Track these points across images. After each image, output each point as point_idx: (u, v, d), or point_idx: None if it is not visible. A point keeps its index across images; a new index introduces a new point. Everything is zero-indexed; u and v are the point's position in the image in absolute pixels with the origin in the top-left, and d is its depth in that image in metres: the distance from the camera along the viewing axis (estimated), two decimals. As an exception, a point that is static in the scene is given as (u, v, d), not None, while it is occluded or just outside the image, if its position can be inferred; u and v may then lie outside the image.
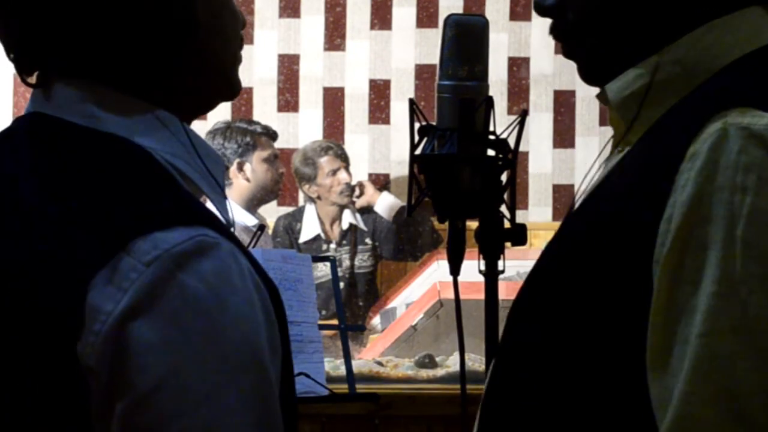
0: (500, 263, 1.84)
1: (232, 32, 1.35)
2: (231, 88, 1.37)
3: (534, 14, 6.36)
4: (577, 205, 1.38)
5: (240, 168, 5.01)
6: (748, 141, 1.19)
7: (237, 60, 1.37)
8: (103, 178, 1.22)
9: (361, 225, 5.70)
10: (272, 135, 5.18)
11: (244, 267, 1.21)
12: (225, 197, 1.34)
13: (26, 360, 1.18)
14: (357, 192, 5.70)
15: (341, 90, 6.37)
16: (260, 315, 1.21)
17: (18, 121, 1.33)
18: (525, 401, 1.31)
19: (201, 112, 1.38)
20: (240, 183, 5.02)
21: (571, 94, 6.31)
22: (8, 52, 1.30)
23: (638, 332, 1.21)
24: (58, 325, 1.16)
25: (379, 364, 3.56)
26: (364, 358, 3.69)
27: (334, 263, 3.14)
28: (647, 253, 1.21)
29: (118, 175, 1.23)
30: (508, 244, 1.84)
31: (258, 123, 5.19)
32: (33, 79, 1.30)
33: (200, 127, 5.51)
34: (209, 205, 1.35)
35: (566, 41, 1.39)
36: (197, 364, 1.16)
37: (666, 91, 1.30)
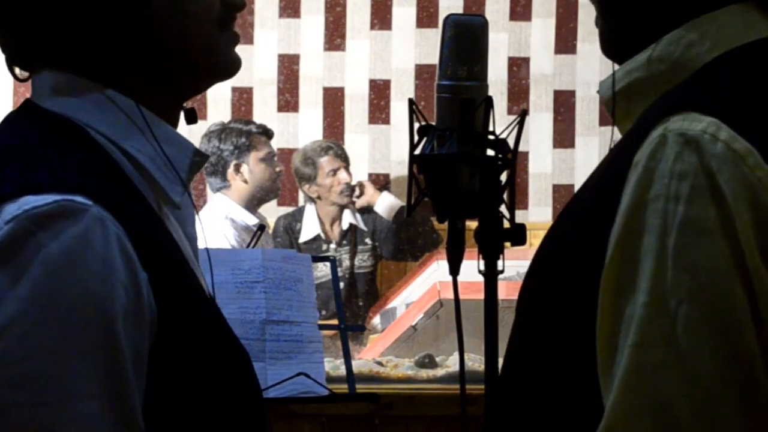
0: (500, 263, 1.84)
1: (199, 11, 1.39)
2: (214, 68, 1.43)
3: (534, 14, 6.37)
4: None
5: (237, 169, 5.01)
6: (684, 147, 1.19)
7: (216, 40, 1.41)
8: (12, 148, 1.34)
9: (361, 225, 5.69)
10: (268, 134, 5.17)
11: (112, 233, 1.27)
12: (181, 183, 1.40)
13: None
14: (357, 192, 5.70)
15: (341, 90, 6.37)
16: (120, 280, 1.26)
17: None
18: (521, 399, 1.34)
19: (185, 94, 1.44)
20: (238, 184, 5.02)
21: (571, 94, 6.31)
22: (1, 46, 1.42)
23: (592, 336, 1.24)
24: None
25: (379, 364, 3.56)
26: (364, 358, 3.69)
27: (334, 263, 3.14)
28: (601, 262, 1.23)
29: (28, 145, 1.34)
30: (507, 244, 1.84)
31: (253, 123, 5.18)
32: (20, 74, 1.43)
33: (200, 128, 5.51)
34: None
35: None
36: (39, 315, 1.23)
37: (651, 88, 1.31)
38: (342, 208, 5.62)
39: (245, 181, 5.02)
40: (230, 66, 1.44)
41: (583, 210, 1.30)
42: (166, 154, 1.38)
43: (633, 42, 1.34)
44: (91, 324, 1.25)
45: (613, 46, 1.39)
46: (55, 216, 1.26)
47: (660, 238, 1.18)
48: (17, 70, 1.42)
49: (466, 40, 1.79)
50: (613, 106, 1.35)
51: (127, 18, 1.35)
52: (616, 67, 1.38)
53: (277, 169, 5.14)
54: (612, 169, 1.27)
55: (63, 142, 1.34)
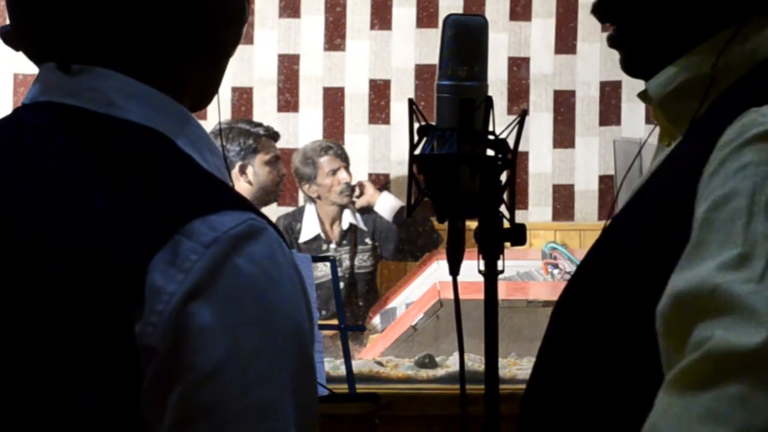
0: (500, 263, 1.84)
1: (234, 34, 1.39)
2: (211, 95, 1.40)
3: (534, 14, 6.37)
4: (623, 202, 1.38)
5: (242, 171, 5.01)
6: None
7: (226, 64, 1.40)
8: (143, 165, 1.24)
9: (361, 225, 5.69)
10: (274, 136, 5.18)
11: (287, 251, 1.24)
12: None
13: (84, 340, 1.18)
14: (357, 192, 5.70)
15: (341, 90, 6.37)
16: (303, 299, 1.24)
17: (25, 111, 1.33)
18: (566, 400, 1.31)
19: (196, 109, 1.39)
20: (242, 185, 5.02)
21: (571, 94, 6.31)
22: (22, 40, 1.31)
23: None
24: (116, 306, 1.17)
25: (379, 364, 3.56)
26: (364, 358, 3.68)
27: (334, 263, 3.14)
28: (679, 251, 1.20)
29: (154, 161, 1.24)
30: (507, 244, 1.84)
31: (260, 125, 5.18)
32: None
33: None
34: None
35: (611, 35, 1.40)
36: (255, 345, 1.18)
37: (701, 88, 1.31)
38: (342, 208, 5.62)
39: (249, 183, 5.03)
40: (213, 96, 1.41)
41: (655, 210, 1.27)
42: (217, 164, 1.33)
43: (668, 53, 1.34)
44: (295, 348, 1.21)
45: (644, 61, 1.38)
46: (247, 237, 1.20)
47: (750, 197, 1.16)
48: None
49: (466, 40, 1.79)
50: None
51: (181, 24, 1.29)
52: (617, 65, 1.38)
53: (281, 173, 5.15)
54: (687, 161, 1.24)
55: (179, 155, 1.26)
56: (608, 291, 1.29)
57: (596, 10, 1.41)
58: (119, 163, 1.24)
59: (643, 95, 1.40)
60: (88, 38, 1.27)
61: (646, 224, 1.27)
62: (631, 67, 1.40)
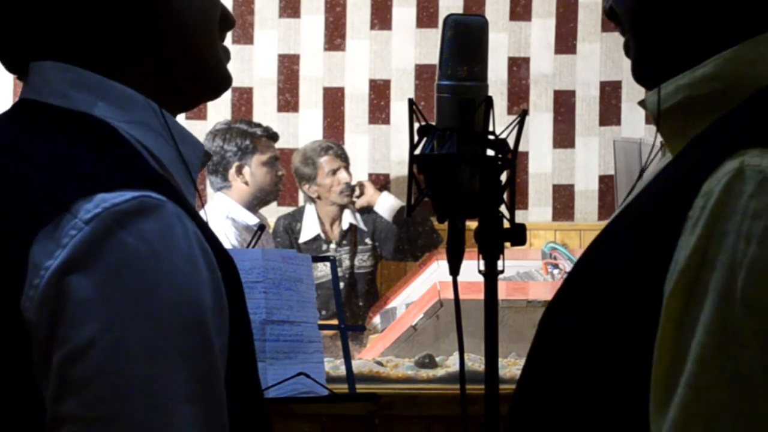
0: (500, 263, 1.84)
1: (206, 19, 1.38)
2: (208, 78, 1.40)
3: (534, 14, 6.37)
4: (625, 203, 1.36)
5: (239, 171, 5.01)
6: (762, 185, 1.15)
7: (209, 47, 1.39)
8: (57, 147, 1.28)
9: (361, 225, 5.69)
10: (273, 137, 5.17)
11: (190, 230, 1.24)
12: (193, 182, 1.37)
13: None
14: (357, 192, 5.70)
15: (341, 90, 6.37)
16: (204, 276, 1.23)
17: (6, 111, 1.41)
18: (553, 401, 1.30)
19: (183, 104, 1.42)
20: (239, 185, 5.02)
21: (571, 94, 6.31)
22: None
23: (644, 364, 1.19)
24: (2, 281, 1.21)
25: (379, 364, 3.56)
26: (364, 358, 3.69)
27: (334, 263, 3.14)
28: (657, 288, 1.19)
29: (71, 144, 1.28)
30: (507, 244, 1.84)
31: (259, 125, 5.18)
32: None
33: (201, 128, 5.52)
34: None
35: (624, 42, 1.38)
36: (133, 320, 1.19)
37: (705, 106, 1.27)
38: (342, 208, 5.62)
39: (246, 183, 5.03)
40: (224, 81, 1.42)
41: (636, 230, 1.25)
42: (186, 153, 1.35)
43: (673, 66, 1.30)
44: (185, 324, 1.21)
45: (649, 71, 1.35)
46: (136, 213, 1.21)
47: (727, 277, 1.14)
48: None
49: (466, 40, 1.79)
50: (657, 121, 1.31)
51: (132, 19, 1.32)
52: (626, 69, 1.36)
53: (279, 173, 5.14)
54: (673, 193, 1.22)
55: (103, 139, 1.29)
56: (598, 295, 1.27)
57: (608, 15, 1.39)
58: (36, 145, 1.29)
59: (644, 105, 1.36)
60: (41, 37, 1.33)
61: (635, 239, 1.25)
62: (636, 75, 1.37)
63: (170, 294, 1.21)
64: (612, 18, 1.37)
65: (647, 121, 6.14)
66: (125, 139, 1.31)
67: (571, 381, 1.28)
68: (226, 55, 1.42)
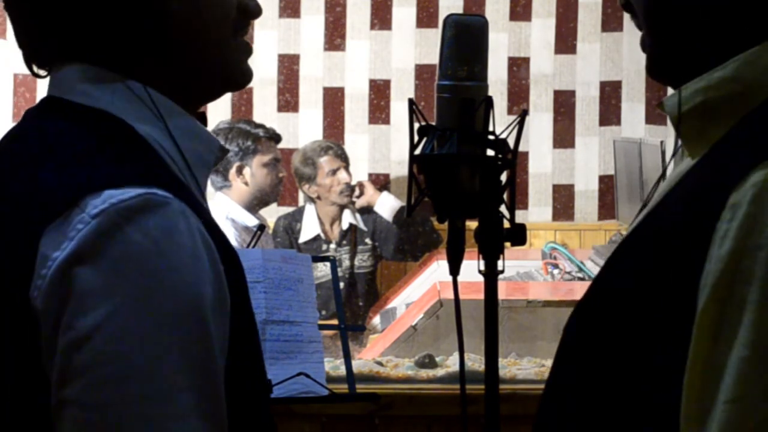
0: (500, 263, 1.84)
1: (214, 16, 1.41)
2: (226, 75, 1.45)
3: (534, 14, 6.37)
4: (649, 206, 1.36)
5: (239, 171, 5.01)
6: None
7: (228, 46, 1.44)
8: (72, 142, 1.33)
9: (361, 225, 5.69)
10: (275, 138, 5.17)
11: (193, 225, 1.28)
12: (196, 183, 1.41)
13: None
14: (357, 192, 5.70)
15: (341, 90, 6.37)
16: (206, 271, 1.28)
17: (32, 106, 1.45)
18: (582, 408, 1.30)
19: (204, 98, 1.47)
20: (239, 186, 5.02)
21: (571, 94, 6.31)
22: (19, 44, 1.42)
23: (674, 370, 1.19)
24: (13, 272, 1.26)
25: (379, 364, 3.56)
26: (364, 358, 3.69)
27: (334, 263, 3.14)
28: (688, 299, 1.18)
29: (86, 140, 1.33)
30: (507, 244, 1.84)
31: (261, 126, 5.18)
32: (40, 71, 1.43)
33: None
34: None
35: (642, 36, 1.37)
36: (134, 310, 1.23)
37: (725, 108, 1.27)
38: (342, 208, 5.62)
39: (246, 184, 5.02)
40: (241, 76, 1.47)
41: (664, 238, 1.24)
42: (197, 150, 1.41)
43: (690, 64, 1.29)
44: (184, 316, 1.25)
45: (664, 67, 1.34)
46: (141, 209, 1.26)
47: (764, 289, 1.14)
48: (35, 68, 1.43)
49: (466, 40, 1.79)
50: (678, 125, 1.30)
51: (147, 16, 1.36)
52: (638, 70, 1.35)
53: (280, 175, 5.14)
54: (699, 203, 1.21)
55: (118, 136, 1.35)
56: (627, 303, 1.26)
57: (624, 7, 1.37)
58: (56, 140, 1.34)
59: (662, 107, 1.35)
60: (65, 40, 1.38)
61: (663, 247, 1.24)
62: (650, 71, 1.36)
63: (171, 287, 1.25)
64: (628, 10, 1.36)
65: (647, 121, 6.14)
66: (139, 137, 1.36)
67: (600, 388, 1.27)
68: (247, 49, 1.47)
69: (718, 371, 1.15)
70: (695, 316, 1.18)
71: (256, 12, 1.46)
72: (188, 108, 1.43)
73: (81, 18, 1.35)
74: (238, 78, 1.46)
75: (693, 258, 1.18)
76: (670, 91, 1.37)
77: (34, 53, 1.42)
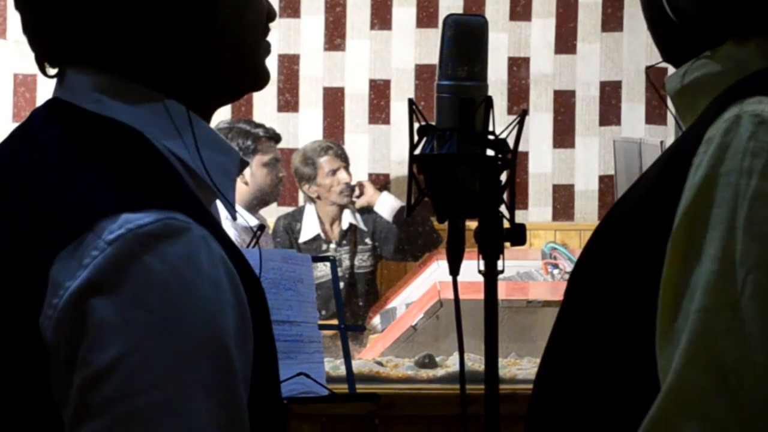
0: (500, 263, 1.84)
1: (253, 18, 1.34)
2: (255, 77, 1.38)
3: (534, 14, 6.37)
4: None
5: (239, 171, 5.01)
6: (759, 127, 1.23)
7: (260, 47, 1.37)
8: (86, 158, 1.24)
9: (361, 225, 5.69)
10: (275, 138, 5.17)
11: (215, 253, 1.21)
12: (223, 192, 1.33)
13: None
14: (357, 192, 5.70)
15: (341, 90, 6.37)
16: (229, 301, 1.21)
17: (38, 107, 1.36)
18: (571, 380, 1.35)
19: (225, 101, 1.39)
20: (239, 186, 5.02)
21: (571, 94, 6.31)
22: (29, 42, 1.32)
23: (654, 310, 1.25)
24: (22, 298, 1.18)
25: (379, 364, 3.56)
26: (364, 358, 3.69)
27: (334, 263, 3.14)
28: (666, 236, 1.25)
29: (103, 157, 1.24)
30: (507, 244, 1.84)
31: (261, 125, 5.18)
32: (51, 71, 1.33)
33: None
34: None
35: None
36: (155, 344, 1.16)
37: (716, 83, 1.34)
38: (342, 208, 5.62)
39: (245, 183, 5.03)
40: (265, 78, 1.39)
41: (648, 187, 1.32)
42: (219, 161, 1.32)
43: (693, 45, 1.36)
44: (207, 350, 1.18)
45: (671, 48, 1.41)
46: (160, 235, 1.18)
47: (731, 210, 1.21)
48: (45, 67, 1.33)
49: (466, 40, 1.79)
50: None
51: (196, 24, 1.28)
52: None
53: (280, 175, 5.14)
54: (680, 149, 1.29)
55: (135, 151, 1.26)
56: (611, 258, 1.33)
57: None
58: (67, 154, 1.25)
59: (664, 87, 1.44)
60: (80, 42, 1.29)
61: (631, 212, 1.33)
62: (662, 54, 1.44)
63: (193, 319, 1.18)
64: None
65: (647, 121, 6.14)
66: (156, 150, 1.27)
67: (587, 366, 1.33)
68: (267, 50, 1.39)
69: (688, 286, 1.22)
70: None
71: (274, 14, 1.39)
72: (207, 113, 1.36)
73: (107, 19, 1.26)
74: (264, 78, 1.38)
75: (674, 196, 1.25)
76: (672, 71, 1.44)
77: (45, 51, 1.32)
